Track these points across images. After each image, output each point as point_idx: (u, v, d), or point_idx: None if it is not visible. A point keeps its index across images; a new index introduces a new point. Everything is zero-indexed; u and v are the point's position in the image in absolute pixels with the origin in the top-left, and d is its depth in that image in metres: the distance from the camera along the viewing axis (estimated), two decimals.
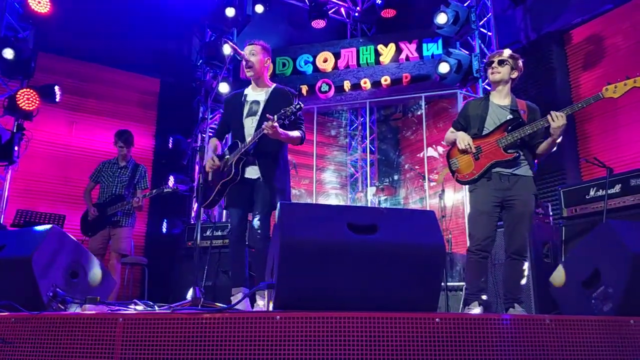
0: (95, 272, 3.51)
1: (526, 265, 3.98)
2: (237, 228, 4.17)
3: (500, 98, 4.20)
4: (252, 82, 4.37)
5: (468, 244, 4.09)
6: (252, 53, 4.33)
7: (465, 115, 4.26)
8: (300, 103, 3.84)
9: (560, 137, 3.93)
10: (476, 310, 3.86)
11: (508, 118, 4.08)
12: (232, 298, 4.08)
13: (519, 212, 3.92)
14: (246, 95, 4.34)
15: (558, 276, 3.26)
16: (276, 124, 3.80)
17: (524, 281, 3.96)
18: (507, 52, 4.22)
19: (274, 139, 3.96)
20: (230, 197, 4.19)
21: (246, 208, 4.17)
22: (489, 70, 4.20)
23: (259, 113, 4.19)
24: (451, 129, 4.36)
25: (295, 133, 4.09)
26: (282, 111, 3.80)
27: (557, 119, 3.83)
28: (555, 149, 4.07)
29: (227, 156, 4.16)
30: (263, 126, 3.84)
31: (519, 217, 3.92)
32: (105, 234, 6.17)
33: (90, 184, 6.41)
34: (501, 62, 4.16)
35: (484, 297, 3.98)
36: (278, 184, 4.09)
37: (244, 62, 4.30)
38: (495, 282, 5.03)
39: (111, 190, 6.23)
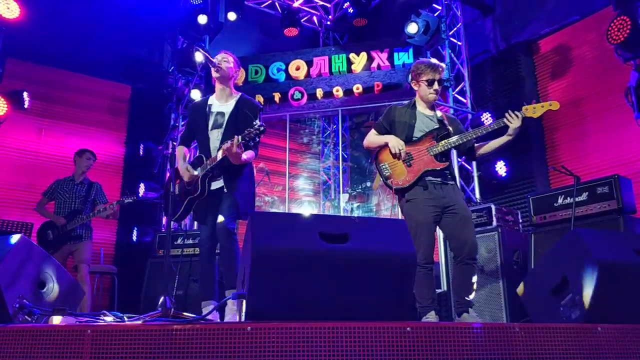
0: (69, 281, 3.45)
1: (476, 271, 4.00)
2: (207, 243, 4.17)
3: (426, 108, 4.25)
4: (217, 90, 4.34)
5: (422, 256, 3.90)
6: (224, 59, 4.31)
7: (391, 120, 4.24)
8: (263, 125, 3.83)
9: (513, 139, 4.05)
10: (433, 318, 3.86)
11: (435, 127, 4.13)
12: (203, 310, 4.06)
13: (462, 216, 3.94)
14: (210, 105, 4.31)
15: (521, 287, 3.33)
16: (240, 144, 3.81)
17: (474, 282, 3.97)
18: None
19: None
20: (198, 212, 4.19)
21: (215, 222, 4.13)
22: (429, 88, 4.14)
23: (224, 125, 4.18)
24: (374, 131, 4.34)
25: (251, 153, 4.11)
26: (247, 132, 3.79)
27: (515, 120, 3.97)
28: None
29: (194, 171, 4.15)
30: (223, 147, 3.85)
31: (463, 222, 3.93)
32: (65, 250, 6.17)
33: (43, 199, 6.39)
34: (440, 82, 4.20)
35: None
36: (241, 191, 4.11)
37: (213, 67, 4.26)
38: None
39: (70, 206, 6.27)
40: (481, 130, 4.07)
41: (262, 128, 3.79)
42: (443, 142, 4.04)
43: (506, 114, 3.99)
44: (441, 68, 4.20)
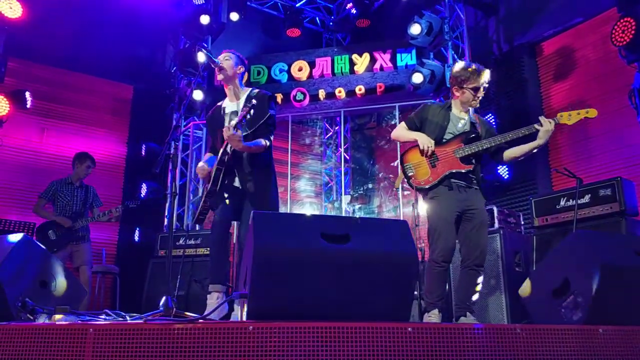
0: (60, 282, 3.45)
1: (481, 278, 4.01)
2: (220, 224, 4.05)
3: (462, 111, 4.22)
4: (227, 93, 4.33)
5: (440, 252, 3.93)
6: (226, 58, 4.29)
7: (424, 118, 4.20)
8: (252, 105, 3.79)
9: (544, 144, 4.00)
10: (435, 317, 3.86)
11: (466, 130, 4.12)
12: (208, 297, 3.98)
13: (479, 222, 3.95)
14: (224, 108, 4.29)
15: (525, 288, 3.32)
16: (237, 132, 3.75)
17: (478, 290, 3.97)
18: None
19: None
20: (214, 202, 4.13)
21: (229, 208, 4.06)
22: (474, 95, 4.09)
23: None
24: (404, 125, 4.29)
25: (262, 141, 4.03)
26: (239, 118, 3.77)
27: (546, 124, 3.88)
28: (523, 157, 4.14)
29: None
30: (223, 132, 3.82)
31: (478, 228, 3.94)
32: (68, 249, 6.24)
33: (41, 201, 6.39)
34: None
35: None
36: (259, 196, 4.03)
37: (216, 69, 4.25)
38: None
39: (71, 209, 6.33)
40: (510, 135, 4.00)
41: (249, 106, 3.76)
42: (470, 145, 4.02)
43: (540, 119, 3.92)
44: (486, 73, 4.13)
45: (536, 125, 3.92)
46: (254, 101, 3.94)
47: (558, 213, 5.11)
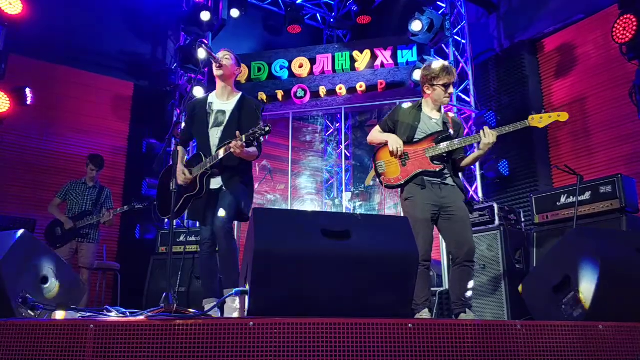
0: (72, 276, 3.46)
1: (473, 274, 4.02)
2: (208, 241, 4.17)
3: (433, 110, 4.24)
4: (218, 88, 4.33)
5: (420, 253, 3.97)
6: (226, 57, 4.30)
7: (395, 120, 4.25)
8: (269, 125, 3.81)
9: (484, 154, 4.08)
10: (427, 316, 3.89)
11: (437, 130, 4.15)
12: (205, 307, 4.06)
13: (460, 218, 3.96)
14: (211, 103, 4.31)
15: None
16: (243, 144, 3.80)
17: (472, 285, 3.98)
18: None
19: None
20: (195, 212, 4.18)
21: (209, 222, 4.14)
22: (445, 92, 4.15)
23: (224, 124, 4.18)
24: (378, 128, 4.36)
25: (253, 149, 4.07)
26: (251, 131, 3.78)
27: (489, 136, 3.93)
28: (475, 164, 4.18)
29: (192, 169, 4.15)
30: (231, 145, 3.83)
31: (461, 224, 3.95)
32: (73, 246, 6.44)
33: (56, 200, 6.67)
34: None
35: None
36: (239, 191, 4.10)
37: (215, 63, 4.25)
38: None
39: (80, 207, 6.59)
40: (461, 141, 4.06)
41: (267, 128, 3.78)
42: (441, 144, 4.05)
43: (482, 129, 3.98)
44: (454, 70, 4.20)
45: (479, 135, 3.99)
46: (246, 108, 4.19)
47: (558, 210, 5.11)
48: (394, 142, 4.11)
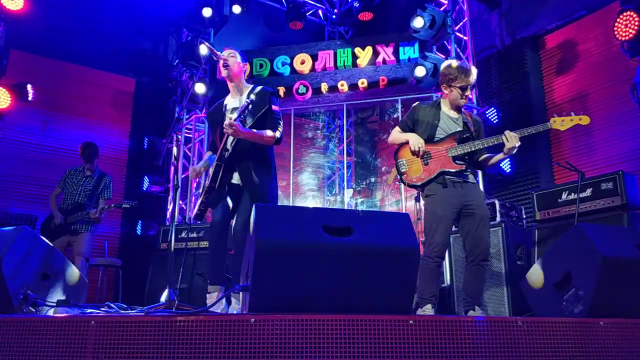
0: (73, 272, 3.47)
1: (487, 272, 4.04)
2: (219, 224, 4.07)
3: (451, 109, 4.23)
4: (230, 89, 4.32)
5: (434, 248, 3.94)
6: (231, 55, 4.27)
7: (415, 119, 4.23)
8: (250, 101, 3.85)
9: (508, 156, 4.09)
10: (429, 312, 3.88)
11: (458, 129, 4.13)
12: (207, 296, 4.03)
13: (480, 217, 3.96)
14: (226, 105, 4.29)
15: (536, 277, 3.28)
16: (234, 122, 3.77)
17: (484, 286, 4.00)
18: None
19: (249, 143, 3.94)
20: (213, 199, 4.13)
21: (228, 208, 4.09)
22: (462, 94, 4.12)
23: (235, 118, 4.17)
24: (398, 128, 4.34)
25: (269, 132, 4.02)
26: (238, 112, 3.79)
27: (512, 140, 3.92)
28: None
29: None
30: (224, 125, 3.82)
31: (480, 223, 3.95)
32: (64, 240, 6.25)
33: (57, 189, 6.51)
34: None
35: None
36: (259, 189, 3.99)
37: (221, 62, 4.23)
38: None
39: (74, 199, 6.35)
40: (484, 142, 4.04)
41: (248, 101, 3.81)
42: (463, 144, 4.04)
43: (505, 133, 3.96)
44: (474, 72, 4.17)
45: (501, 137, 3.98)
46: (252, 96, 4.01)
47: (560, 207, 5.11)
48: (416, 140, 4.10)
